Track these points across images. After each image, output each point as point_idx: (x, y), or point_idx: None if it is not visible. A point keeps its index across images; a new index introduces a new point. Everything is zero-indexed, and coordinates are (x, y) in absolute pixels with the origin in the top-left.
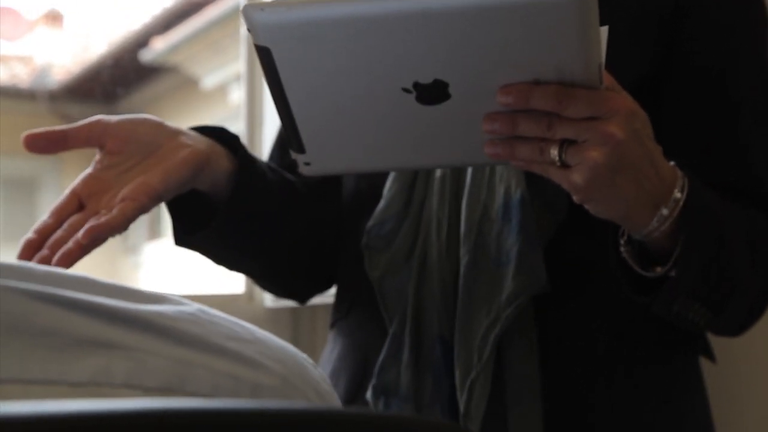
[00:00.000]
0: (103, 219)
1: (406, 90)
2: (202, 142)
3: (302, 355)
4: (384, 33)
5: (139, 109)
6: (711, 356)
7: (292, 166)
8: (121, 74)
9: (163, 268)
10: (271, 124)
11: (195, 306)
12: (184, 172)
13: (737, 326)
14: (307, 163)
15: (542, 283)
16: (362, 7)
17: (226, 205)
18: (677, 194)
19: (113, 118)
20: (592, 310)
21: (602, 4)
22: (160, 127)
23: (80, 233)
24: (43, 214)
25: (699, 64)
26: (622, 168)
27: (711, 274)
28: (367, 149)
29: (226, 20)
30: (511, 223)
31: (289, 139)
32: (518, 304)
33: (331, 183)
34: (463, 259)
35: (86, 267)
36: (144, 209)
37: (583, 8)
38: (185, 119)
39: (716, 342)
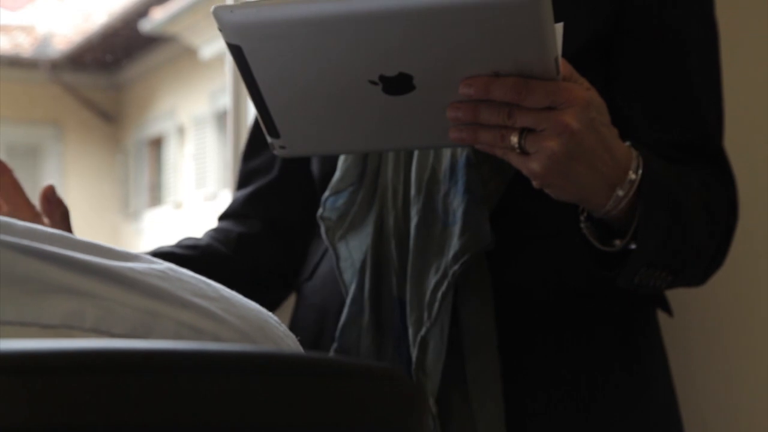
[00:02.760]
0: None
1: (372, 82)
2: None
3: (267, 313)
4: (348, 31)
5: (138, 78)
6: (668, 310)
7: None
8: (121, 44)
9: (164, 234)
10: None
11: (165, 264)
12: None
13: (699, 278)
14: (282, 147)
15: (487, 241)
16: (326, 7)
17: None
18: (632, 175)
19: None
20: (546, 267)
21: None
22: None
23: None
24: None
25: (650, 25)
26: (577, 156)
27: (669, 244)
28: (338, 134)
29: None
30: (457, 184)
31: (264, 125)
32: (464, 261)
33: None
34: (413, 220)
35: (89, 233)
36: None
37: (538, 8)
38: (183, 88)
39: (672, 297)
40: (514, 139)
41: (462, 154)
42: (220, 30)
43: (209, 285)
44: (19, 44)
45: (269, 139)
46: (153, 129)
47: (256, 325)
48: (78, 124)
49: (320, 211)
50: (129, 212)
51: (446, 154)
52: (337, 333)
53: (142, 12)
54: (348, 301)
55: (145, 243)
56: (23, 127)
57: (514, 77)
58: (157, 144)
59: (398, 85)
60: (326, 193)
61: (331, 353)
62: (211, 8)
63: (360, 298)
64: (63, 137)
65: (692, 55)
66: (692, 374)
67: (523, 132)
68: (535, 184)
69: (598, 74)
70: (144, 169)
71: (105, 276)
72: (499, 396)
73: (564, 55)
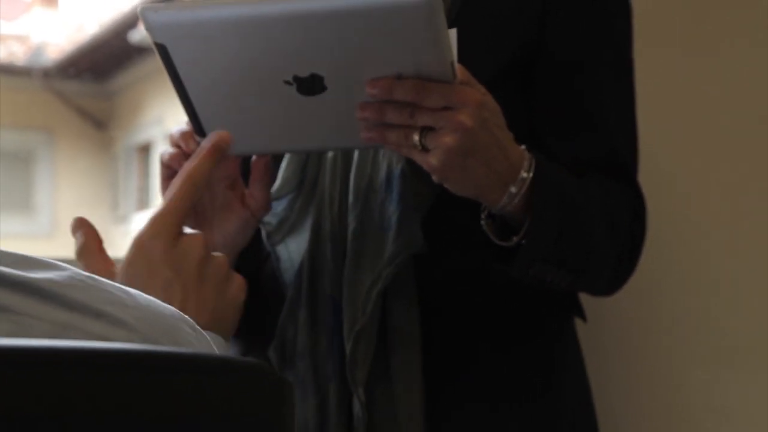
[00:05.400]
0: None
1: (287, 82)
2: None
3: (181, 319)
4: (263, 33)
5: (128, 87)
6: (582, 316)
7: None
8: (112, 53)
9: None
10: None
11: (85, 273)
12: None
13: (605, 287)
14: None
15: (419, 245)
16: (243, 10)
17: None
18: (524, 174)
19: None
20: (470, 270)
21: (479, 2)
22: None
23: None
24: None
25: (562, 53)
26: (471, 152)
27: (562, 241)
28: (260, 133)
29: None
30: (393, 193)
31: (191, 123)
32: (397, 262)
33: None
34: (351, 226)
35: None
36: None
37: (429, 14)
38: (171, 97)
39: (587, 303)
40: (416, 137)
41: (397, 166)
42: (147, 30)
43: (128, 293)
44: (14, 53)
45: (196, 138)
46: (141, 136)
47: (164, 330)
48: (69, 130)
49: None
50: (118, 215)
51: (383, 165)
52: (277, 330)
53: (131, 23)
54: (287, 299)
55: None
56: (16, 133)
57: (414, 79)
58: (145, 150)
59: (311, 85)
60: None
61: (271, 349)
62: (138, 9)
63: (297, 296)
64: (54, 143)
65: (600, 84)
66: (606, 376)
67: (424, 131)
68: (434, 178)
69: (519, 96)
70: (133, 174)
71: (21, 288)
72: (420, 387)
73: (484, 75)
